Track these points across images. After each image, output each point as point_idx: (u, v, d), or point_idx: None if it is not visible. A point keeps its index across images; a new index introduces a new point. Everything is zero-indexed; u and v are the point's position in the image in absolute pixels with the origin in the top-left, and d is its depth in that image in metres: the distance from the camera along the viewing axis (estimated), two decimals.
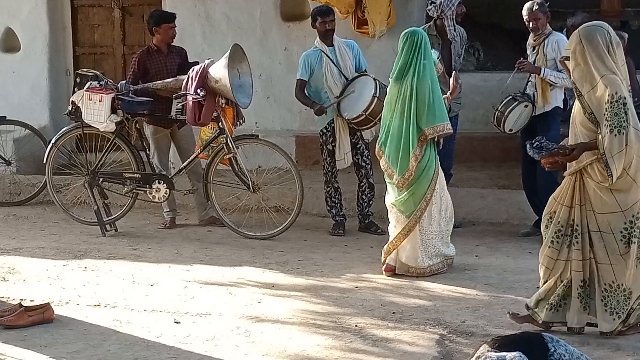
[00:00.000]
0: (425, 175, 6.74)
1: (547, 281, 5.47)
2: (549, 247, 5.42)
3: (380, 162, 6.91)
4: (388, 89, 6.98)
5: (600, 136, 5.13)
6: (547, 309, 5.43)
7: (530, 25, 7.78)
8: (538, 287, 6.42)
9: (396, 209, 6.81)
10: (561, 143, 5.50)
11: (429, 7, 8.25)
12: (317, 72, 8.17)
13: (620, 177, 5.13)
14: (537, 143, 5.33)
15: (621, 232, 5.22)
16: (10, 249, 7.90)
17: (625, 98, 5.10)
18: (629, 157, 5.11)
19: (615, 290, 5.26)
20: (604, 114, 5.10)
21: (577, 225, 5.31)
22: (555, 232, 5.38)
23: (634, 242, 5.21)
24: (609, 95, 5.09)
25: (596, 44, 5.17)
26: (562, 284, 5.39)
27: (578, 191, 5.32)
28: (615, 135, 5.07)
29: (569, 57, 5.28)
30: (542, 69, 7.68)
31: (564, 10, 9.14)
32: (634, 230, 5.21)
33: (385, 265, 6.90)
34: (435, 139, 6.82)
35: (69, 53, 11.31)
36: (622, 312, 5.26)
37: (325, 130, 8.26)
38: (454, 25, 8.13)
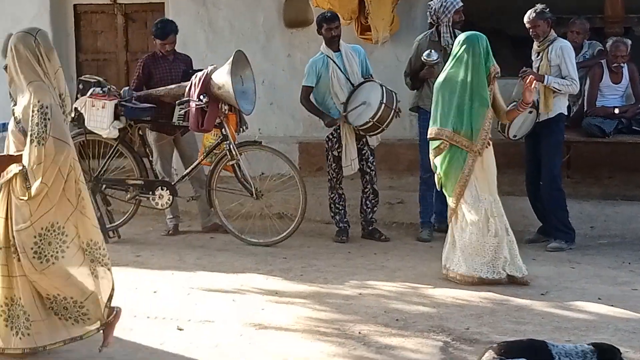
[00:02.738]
0: (459, 157, 6.85)
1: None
2: None
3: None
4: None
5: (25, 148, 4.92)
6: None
7: (531, 32, 7.80)
8: (542, 294, 6.44)
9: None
10: None
11: (428, 14, 8.25)
12: (324, 77, 8.15)
13: (41, 191, 4.90)
14: None
15: (32, 248, 4.94)
16: None
17: (47, 107, 4.86)
18: (48, 169, 4.86)
19: (57, 301, 5.10)
20: (29, 124, 4.87)
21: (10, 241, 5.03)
22: None
23: (58, 258, 4.97)
24: (32, 104, 4.87)
25: (22, 52, 4.97)
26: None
27: (5, 203, 5.04)
28: (36, 146, 4.84)
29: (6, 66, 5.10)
30: (546, 76, 7.67)
31: (568, 17, 9.14)
32: (50, 244, 4.95)
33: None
34: None
35: (72, 59, 11.30)
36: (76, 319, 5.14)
37: (331, 136, 8.24)
38: (450, 32, 8.07)
